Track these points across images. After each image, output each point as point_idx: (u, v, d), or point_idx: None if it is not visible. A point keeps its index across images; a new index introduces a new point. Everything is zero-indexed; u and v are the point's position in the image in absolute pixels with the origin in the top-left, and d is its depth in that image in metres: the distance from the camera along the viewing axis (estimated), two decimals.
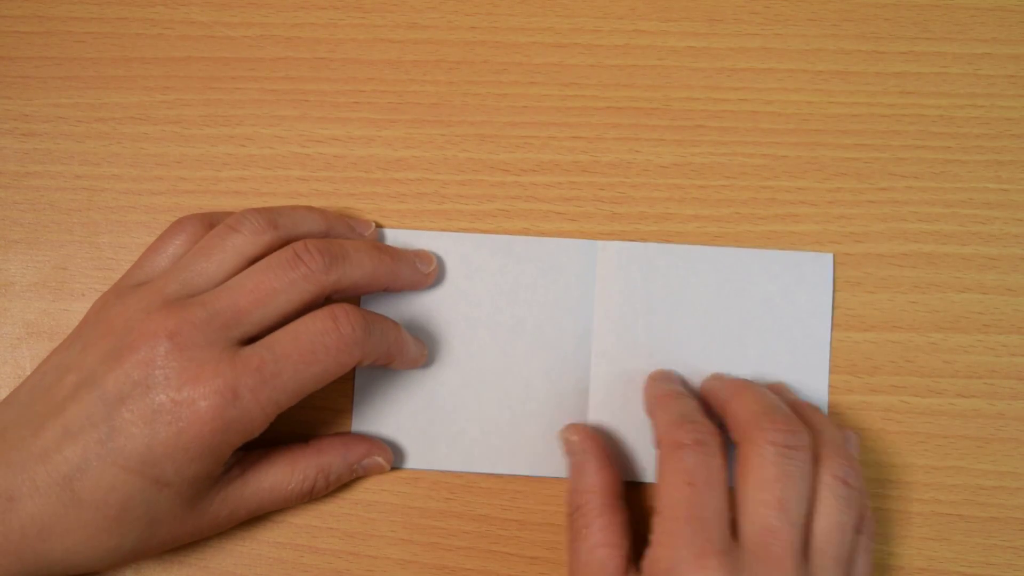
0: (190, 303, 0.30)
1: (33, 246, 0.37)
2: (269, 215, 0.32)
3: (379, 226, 0.36)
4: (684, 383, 0.35)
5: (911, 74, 0.38)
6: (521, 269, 0.36)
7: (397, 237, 0.36)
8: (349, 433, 0.35)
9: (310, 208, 0.35)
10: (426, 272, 0.35)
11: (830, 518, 0.29)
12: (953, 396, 0.36)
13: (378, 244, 0.34)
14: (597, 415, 0.35)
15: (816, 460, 0.30)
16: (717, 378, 0.35)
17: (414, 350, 0.34)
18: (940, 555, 0.35)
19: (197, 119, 0.38)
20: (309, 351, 0.30)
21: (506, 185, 0.37)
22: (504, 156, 0.37)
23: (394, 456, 0.35)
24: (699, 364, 0.35)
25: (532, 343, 0.36)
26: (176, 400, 0.28)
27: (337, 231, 0.35)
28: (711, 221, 0.37)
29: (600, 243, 0.36)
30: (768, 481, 0.29)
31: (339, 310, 0.31)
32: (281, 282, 0.30)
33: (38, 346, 0.37)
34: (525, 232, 0.37)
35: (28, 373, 0.36)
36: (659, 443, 0.31)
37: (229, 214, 0.34)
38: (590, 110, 0.37)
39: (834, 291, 0.36)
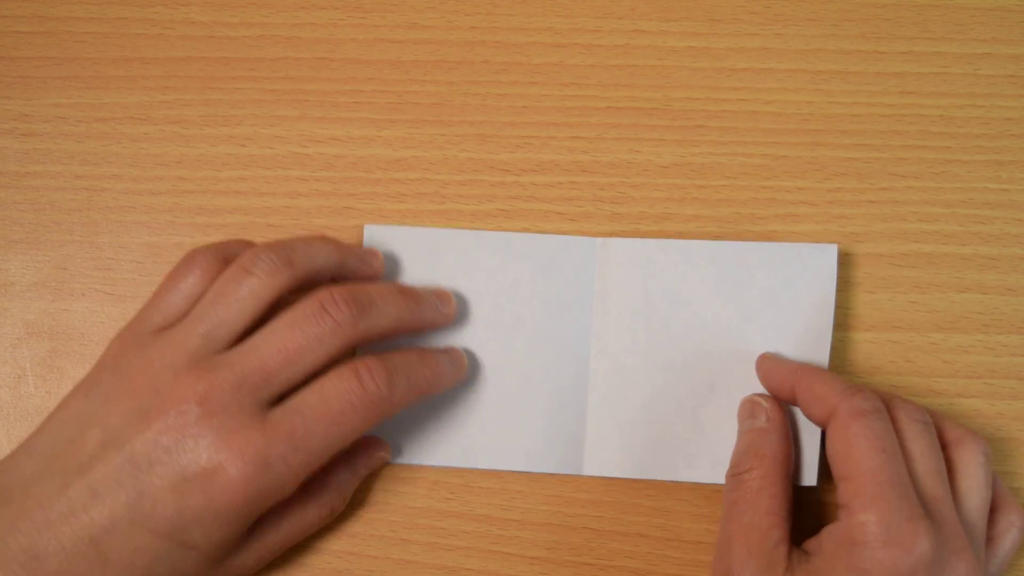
0: (218, 365, 0.29)
1: (33, 246, 0.37)
2: (283, 253, 0.31)
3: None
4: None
5: (911, 74, 0.38)
6: (521, 266, 0.36)
7: (396, 233, 0.36)
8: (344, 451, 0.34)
9: (323, 239, 0.34)
10: (446, 312, 0.35)
11: (974, 489, 0.31)
12: (953, 396, 0.36)
13: (400, 287, 0.34)
14: (596, 413, 0.35)
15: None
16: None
17: (450, 375, 0.34)
18: None
19: (197, 119, 0.38)
20: (338, 412, 0.30)
21: (506, 185, 0.37)
22: (504, 156, 0.37)
23: (394, 453, 0.35)
24: (699, 360, 0.35)
25: (531, 340, 0.36)
26: (207, 469, 0.28)
27: (350, 264, 0.34)
28: (711, 221, 0.37)
29: (599, 240, 0.36)
30: (923, 451, 0.30)
31: (363, 367, 0.30)
32: (309, 339, 0.30)
33: (38, 346, 0.37)
34: (525, 231, 0.37)
35: (28, 373, 0.36)
36: (834, 411, 0.31)
37: (241, 243, 0.33)
38: (590, 110, 0.37)
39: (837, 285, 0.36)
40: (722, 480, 0.34)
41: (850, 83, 0.38)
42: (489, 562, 0.35)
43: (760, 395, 0.34)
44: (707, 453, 0.35)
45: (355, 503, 0.35)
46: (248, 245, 0.33)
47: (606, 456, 0.35)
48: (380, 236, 0.36)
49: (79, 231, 0.37)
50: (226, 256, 0.32)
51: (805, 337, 0.35)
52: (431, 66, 0.38)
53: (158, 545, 0.28)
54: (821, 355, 0.35)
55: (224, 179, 0.37)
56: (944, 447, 0.32)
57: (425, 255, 0.36)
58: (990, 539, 0.32)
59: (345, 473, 0.33)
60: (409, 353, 0.33)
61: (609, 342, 0.35)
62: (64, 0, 0.38)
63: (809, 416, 0.32)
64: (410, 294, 0.33)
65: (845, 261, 0.36)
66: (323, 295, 0.31)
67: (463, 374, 0.35)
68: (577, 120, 0.37)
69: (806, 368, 0.33)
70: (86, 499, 0.28)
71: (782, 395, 0.34)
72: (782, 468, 0.32)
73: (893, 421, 0.31)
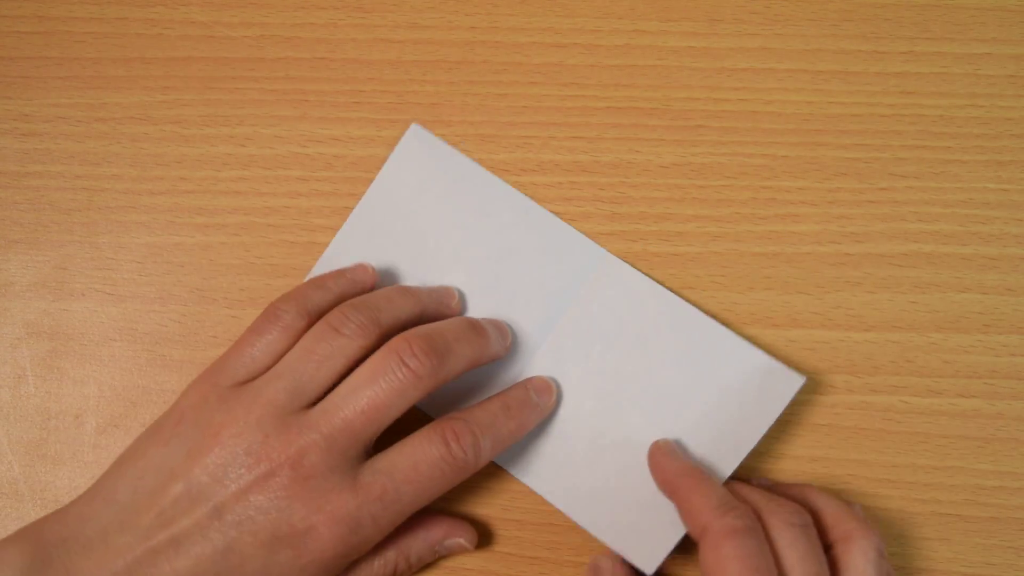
0: (306, 427, 0.30)
1: (33, 246, 0.37)
2: (371, 313, 0.32)
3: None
4: (686, 454, 0.34)
5: (911, 74, 0.38)
6: (526, 237, 0.36)
7: (435, 146, 0.36)
8: (430, 512, 0.34)
9: (402, 292, 0.33)
10: (506, 346, 0.35)
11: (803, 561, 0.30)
12: (953, 396, 0.36)
13: (471, 323, 0.33)
14: None
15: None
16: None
17: (535, 417, 0.34)
18: (940, 555, 0.35)
19: (197, 119, 0.38)
20: (427, 478, 0.30)
21: None
22: (504, 156, 0.37)
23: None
24: (627, 405, 0.35)
25: (496, 308, 0.36)
26: (300, 530, 0.29)
27: (429, 312, 0.34)
28: (711, 221, 0.37)
29: (604, 252, 0.36)
30: (800, 558, 0.29)
31: (451, 434, 0.31)
32: (390, 395, 0.30)
33: (38, 346, 0.37)
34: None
35: (28, 373, 0.36)
36: (706, 529, 0.30)
37: (317, 289, 0.33)
38: (590, 110, 0.37)
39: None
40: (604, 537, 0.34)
41: (850, 83, 0.38)
42: (489, 562, 0.35)
43: (604, 556, 0.34)
44: (605, 496, 0.34)
45: None
46: (321, 289, 0.33)
47: (525, 457, 0.35)
48: (421, 141, 0.36)
49: (79, 231, 0.37)
50: (308, 310, 0.32)
51: (726, 440, 0.34)
52: (431, 66, 0.38)
53: None
54: (728, 465, 0.34)
55: (224, 179, 0.37)
56: (831, 545, 0.31)
57: (450, 179, 0.36)
58: None
59: (416, 541, 0.33)
60: (493, 406, 0.33)
61: (563, 346, 0.35)
62: (64, 0, 0.38)
63: (684, 524, 0.32)
64: (478, 330, 0.33)
65: (845, 261, 0.36)
66: (401, 346, 0.31)
67: (548, 407, 0.35)
68: (577, 120, 0.37)
69: (688, 475, 0.32)
70: (170, 550, 0.28)
71: (663, 489, 0.33)
72: None
73: (768, 528, 0.30)
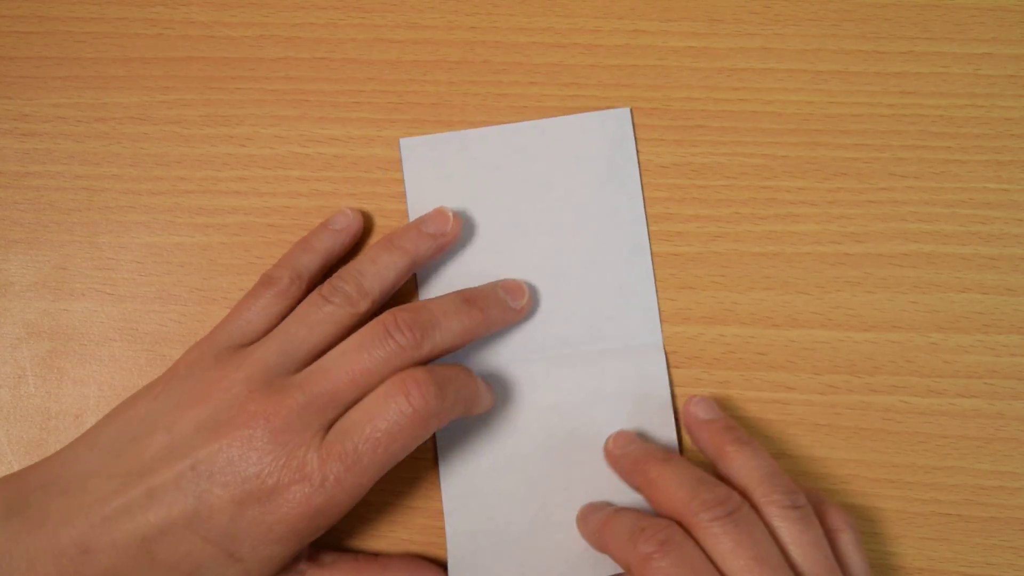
0: (290, 386, 0.30)
1: (33, 246, 0.37)
2: (356, 279, 0.33)
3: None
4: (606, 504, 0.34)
5: (911, 74, 0.38)
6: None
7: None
8: (417, 558, 0.34)
9: (388, 247, 0.34)
10: (518, 308, 0.35)
11: (800, 543, 0.29)
12: (953, 396, 0.36)
13: (467, 296, 0.34)
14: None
15: (751, 503, 0.30)
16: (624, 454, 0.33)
17: (486, 399, 0.34)
18: (940, 555, 0.35)
19: (197, 119, 0.38)
20: (386, 432, 0.30)
21: None
22: None
23: None
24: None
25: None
26: (268, 485, 0.29)
27: (423, 254, 0.34)
28: (711, 221, 0.37)
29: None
30: (734, 548, 0.28)
31: (411, 383, 0.30)
32: (376, 362, 0.30)
33: (38, 346, 0.37)
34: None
35: (28, 373, 0.36)
36: (629, 569, 0.29)
37: (306, 251, 0.34)
38: (590, 109, 0.37)
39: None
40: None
41: (850, 83, 0.38)
42: None
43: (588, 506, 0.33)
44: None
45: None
46: (309, 252, 0.35)
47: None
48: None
49: (79, 231, 0.37)
50: (299, 272, 0.34)
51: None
52: (431, 66, 0.38)
53: (207, 551, 0.29)
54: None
55: (224, 179, 0.37)
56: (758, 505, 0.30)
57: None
58: (838, 560, 0.30)
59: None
60: (455, 367, 0.33)
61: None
62: (64, 0, 0.38)
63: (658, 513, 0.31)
64: (475, 300, 0.33)
65: (845, 261, 0.36)
66: (387, 319, 0.31)
67: (491, 403, 0.35)
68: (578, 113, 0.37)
69: (603, 525, 0.32)
70: (144, 500, 0.29)
71: (601, 550, 0.32)
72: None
73: (695, 531, 0.29)
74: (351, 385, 0.30)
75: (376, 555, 0.34)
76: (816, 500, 0.32)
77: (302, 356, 0.31)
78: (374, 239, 0.37)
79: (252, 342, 0.32)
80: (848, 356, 0.36)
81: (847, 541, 0.31)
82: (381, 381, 0.31)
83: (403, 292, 0.36)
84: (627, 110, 0.36)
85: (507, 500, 0.35)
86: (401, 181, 0.37)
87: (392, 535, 0.35)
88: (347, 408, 0.30)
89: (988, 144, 0.37)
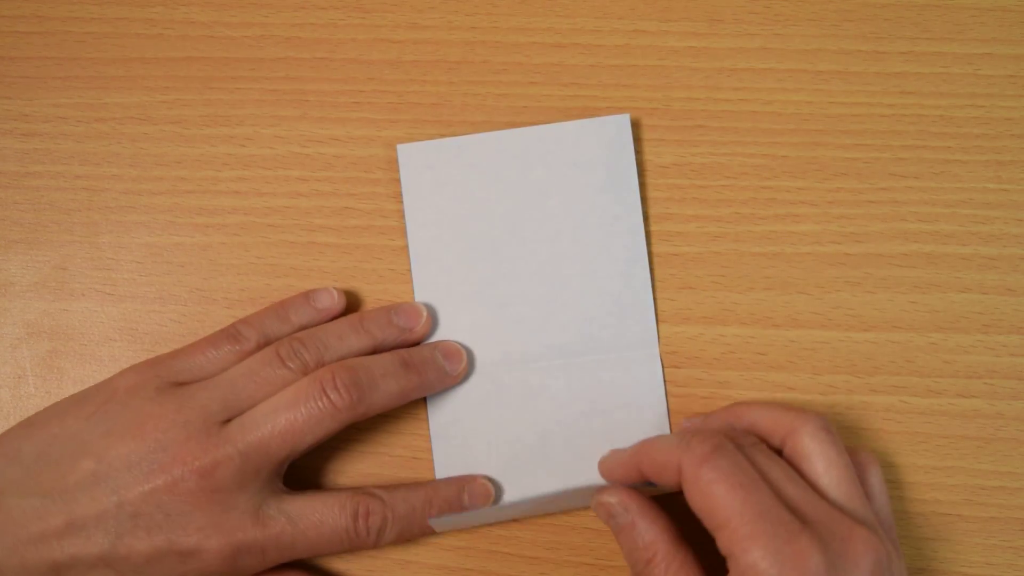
0: (224, 439, 0.30)
1: (33, 246, 0.37)
2: (318, 352, 0.33)
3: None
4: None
5: (911, 74, 0.38)
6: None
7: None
8: (309, 569, 0.34)
9: (356, 327, 0.34)
10: (455, 373, 0.35)
11: (831, 464, 0.30)
12: (953, 396, 0.36)
13: (405, 358, 0.34)
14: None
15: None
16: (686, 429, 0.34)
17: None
18: (940, 555, 0.35)
19: (197, 119, 0.38)
20: (325, 540, 0.32)
21: None
22: None
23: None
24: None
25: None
26: (192, 540, 0.29)
27: (387, 344, 0.34)
28: (711, 221, 0.37)
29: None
30: (769, 469, 0.29)
31: (363, 510, 0.32)
32: (308, 422, 0.31)
33: (38, 346, 0.37)
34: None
35: (28, 373, 0.36)
36: (680, 469, 0.29)
37: (279, 318, 0.34)
38: (590, 110, 0.37)
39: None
40: None
41: (850, 83, 0.38)
42: (489, 562, 0.35)
43: (604, 492, 0.32)
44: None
45: None
46: (283, 322, 0.34)
47: None
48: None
49: (79, 231, 0.37)
50: (267, 336, 0.34)
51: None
52: (431, 66, 0.38)
53: None
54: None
55: (224, 179, 0.37)
56: (781, 448, 0.31)
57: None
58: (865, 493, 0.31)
59: None
60: (404, 492, 0.33)
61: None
62: (64, 0, 0.38)
63: (665, 485, 0.31)
64: (413, 364, 0.34)
65: (845, 261, 0.36)
66: (325, 376, 0.31)
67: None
68: (577, 119, 0.37)
69: (640, 445, 0.32)
70: (62, 530, 0.29)
71: (633, 480, 0.32)
72: (673, 542, 0.30)
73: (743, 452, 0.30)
74: (281, 443, 0.31)
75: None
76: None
77: (242, 411, 0.31)
78: (370, 236, 0.37)
79: (196, 382, 0.32)
80: (848, 356, 0.36)
81: (874, 474, 0.32)
82: (314, 439, 0.31)
83: (399, 286, 0.36)
84: (626, 116, 0.36)
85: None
86: (400, 181, 0.37)
87: None
88: (280, 465, 0.31)
89: (988, 144, 0.37)
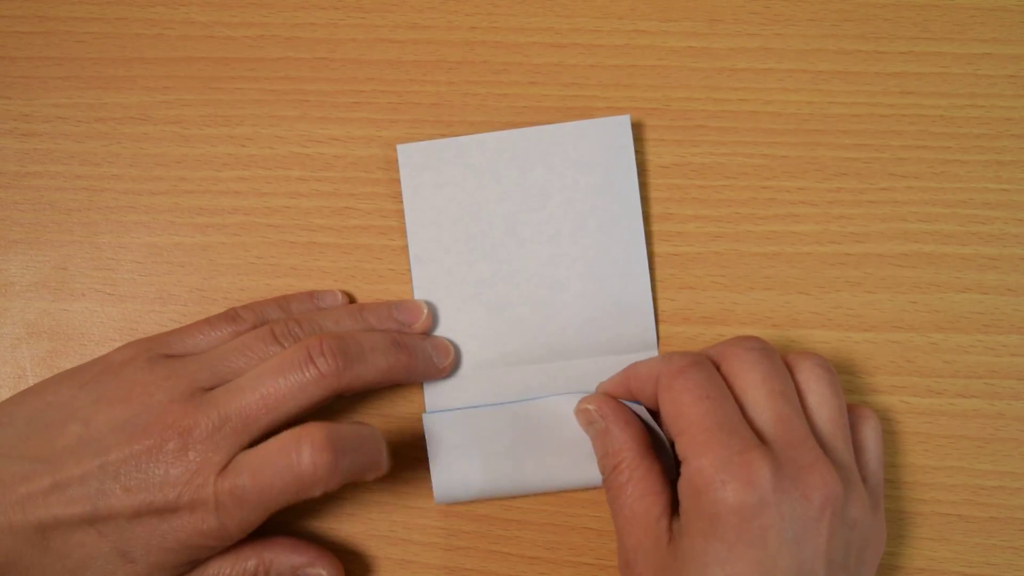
0: (206, 402, 0.30)
1: (33, 246, 0.37)
2: (312, 331, 0.33)
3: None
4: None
5: (911, 74, 0.38)
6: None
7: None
8: (298, 538, 0.34)
9: (353, 313, 0.34)
10: (441, 366, 0.35)
11: (824, 401, 0.31)
12: (953, 396, 0.36)
13: (397, 339, 0.33)
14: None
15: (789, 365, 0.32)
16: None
17: (385, 465, 0.32)
18: (940, 555, 0.35)
19: (197, 119, 0.38)
20: (270, 484, 0.29)
21: None
22: None
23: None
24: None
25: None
26: (169, 499, 0.29)
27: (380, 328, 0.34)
28: (711, 221, 0.37)
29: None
30: (763, 378, 0.30)
31: (306, 443, 0.29)
32: (291, 387, 0.30)
33: (38, 346, 0.37)
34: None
35: (28, 373, 0.36)
36: (659, 383, 0.31)
37: (279, 307, 0.34)
38: (590, 110, 0.37)
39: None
40: None
41: (850, 83, 0.38)
42: (489, 562, 0.35)
43: (584, 399, 0.34)
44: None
45: (354, 503, 0.35)
46: (283, 311, 0.35)
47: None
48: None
49: (79, 231, 0.37)
50: (264, 321, 0.34)
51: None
52: (431, 66, 0.38)
53: (100, 545, 0.30)
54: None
55: (224, 179, 0.37)
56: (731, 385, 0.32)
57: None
58: (855, 444, 0.32)
59: (281, 556, 0.33)
60: (364, 431, 0.31)
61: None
62: (64, 0, 0.38)
63: (649, 402, 0.33)
64: (405, 346, 0.33)
65: (845, 261, 0.36)
66: (312, 343, 0.31)
67: (388, 468, 0.32)
68: (577, 120, 0.37)
69: (630, 365, 0.34)
70: (48, 491, 0.29)
71: (623, 399, 0.34)
72: (639, 451, 0.32)
73: (728, 360, 0.31)
74: (264, 409, 0.30)
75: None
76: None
77: (231, 379, 0.31)
78: (370, 236, 0.37)
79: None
80: (848, 356, 0.36)
81: (871, 428, 0.32)
82: (297, 407, 0.30)
83: (399, 286, 0.37)
84: (626, 118, 0.36)
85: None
86: (400, 181, 0.37)
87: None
88: (261, 432, 0.30)
89: (988, 144, 0.37)
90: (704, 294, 0.36)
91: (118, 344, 0.36)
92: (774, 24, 0.38)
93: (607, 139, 0.36)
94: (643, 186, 0.37)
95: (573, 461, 0.35)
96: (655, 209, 0.37)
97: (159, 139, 0.38)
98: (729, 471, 0.28)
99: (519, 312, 0.36)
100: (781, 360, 0.31)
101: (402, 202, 0.37)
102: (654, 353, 0.36)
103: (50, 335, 0.37)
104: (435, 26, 0.38)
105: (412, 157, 0.36)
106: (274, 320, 0.33)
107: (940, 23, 0.38)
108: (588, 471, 0.35)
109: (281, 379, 0.30)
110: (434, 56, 0.38)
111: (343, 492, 0.35)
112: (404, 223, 0.37)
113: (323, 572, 0.33)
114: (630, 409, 0.33)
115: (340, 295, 0.36)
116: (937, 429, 0.36)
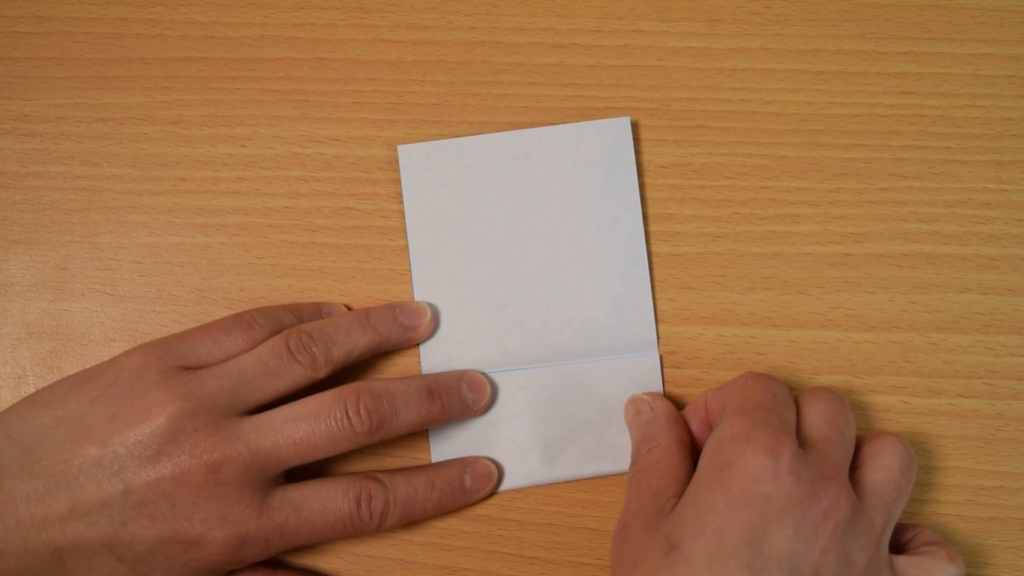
0: (235, 435, 0.30)
1: (33, 246, 0.37)
2: (326, 348, 0.33)
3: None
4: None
5: (911, 74, 0.38)
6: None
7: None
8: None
9: (363, 323, 0.34)
10: (476, 407, 0.35)
11: (890, 476, 0.31)
12: (953, 396, 0.36)
13: (432, 386, 0.34)
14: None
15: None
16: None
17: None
18: None
19: (197, 119, 0.38)
20: (329, 526, 0.31)
21: None
22: None
23: None
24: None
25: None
26: (196, 530, 0.29)
27: (391, 341, 0.35)
28: (711, 221, 0.37)
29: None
30: (827, 412, 0.31)
31: (365, 495, 0.32)
32: (324, 440, 0.31)
33: (38, 346, 0.37)
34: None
35: (28, 373, 0.36)
36: (735, 383, 0.32)
37: (292, 314, 0.34)
38: (590, 110, 0.37)
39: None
40: None
41: (850, 83, 0.38)
42: (489, 562, 0.35)
43: (639, 395, 0.35)
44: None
45: None
46: (296, 319, 0.35)
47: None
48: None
49: (79, 231, 0.37)
50: (278, 328, 0.34)
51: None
52: (431, 66, 0.38)
53: (118, 570, 0.30)
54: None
55: (224, 179, 0.37)
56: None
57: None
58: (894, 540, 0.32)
59: None
60: (412, 479, 0.33)
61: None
62: (64, 0, 0.38)
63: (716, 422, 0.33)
64: (438, 393, 0.34)
65: (845, 261, 0.36)
66: (350, 398, 0.31)
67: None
68: (577, 120, 0.37)
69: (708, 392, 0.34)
70: (66, 514, 0.29)
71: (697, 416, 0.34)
72: (678, 443, 0.33)
73: (805, 395, 0.32)
74: (295, 454, 0.31)
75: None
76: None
77: (251, 401, 0.31)
78: (370, 236, 0.37)
79: (203, 368, 0.32)
80: (848, 356, 0.36)
81: (891, 454, 0.31)
82: (324, 455, 0.31)
83: (399, 287, 0.37)
84: (627, 119, 0.36)
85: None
86: (401, 181, 0.37)
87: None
88: (287, 470, 0.31)
89: (988, 144, 0.37)
90: (704, 294, 0.36)
91: (118, 344, 0.36)
92: (774, 24, 0.38)
93: (607, 140, 0.36)
94: (643, 186, 0.37)
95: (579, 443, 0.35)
96: (655, 209, 0.37)
97: (159, 139, 0.38)
98: (758, 434, 0.29)
99: (520, 312, 0.36)
100: (853, 416, 0.32)
101: (402, 202, 0.37)
102: (654, 353, 0.36)
103: (50, 335, 0.37)
104: (435, 26, 0.38)
105: (413, 157, 0.36)
106: (287, 330, 0.33)
107: (940, 23, 0.38)
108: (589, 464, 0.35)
109: (314, 427, 0.31)
110: (434, 56, 0.38)
111: None
112: (404, 223, 0.37)
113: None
114: (683, 416, 0.34)
115: (344, 310, 0.36)
116: (937, 429, 0.36)
